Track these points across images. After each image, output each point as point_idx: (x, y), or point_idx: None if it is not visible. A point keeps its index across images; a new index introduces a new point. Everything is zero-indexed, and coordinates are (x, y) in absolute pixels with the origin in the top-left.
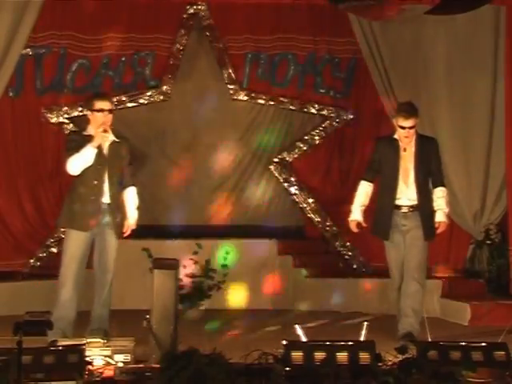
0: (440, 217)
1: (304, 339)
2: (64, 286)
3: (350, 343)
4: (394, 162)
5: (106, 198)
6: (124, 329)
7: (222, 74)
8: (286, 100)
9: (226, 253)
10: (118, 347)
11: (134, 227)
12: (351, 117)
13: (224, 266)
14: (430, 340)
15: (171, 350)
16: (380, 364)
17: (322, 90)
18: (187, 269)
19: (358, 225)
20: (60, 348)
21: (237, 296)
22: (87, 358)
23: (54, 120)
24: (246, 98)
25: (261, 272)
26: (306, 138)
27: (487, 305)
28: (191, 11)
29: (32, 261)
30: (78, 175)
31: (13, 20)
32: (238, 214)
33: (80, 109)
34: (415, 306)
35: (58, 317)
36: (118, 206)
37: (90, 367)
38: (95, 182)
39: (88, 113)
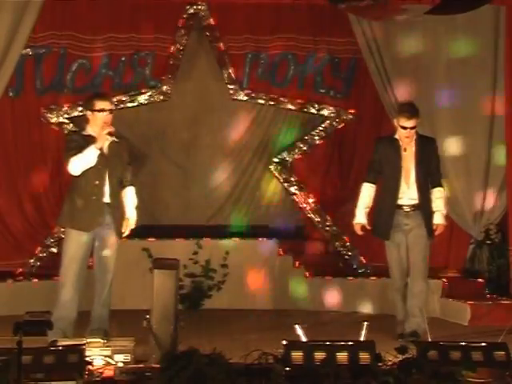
0: (438, 219)
1: (304, 339)
2: (64, 287)
3: (350, 343)
4: (396, 162)
5: (106, 198)
6: (124, 329)
7: (222, 73)
8: (285, 100)
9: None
10: (117, 347)
11: (133, 227)
12: (351, 117)
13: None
14: (429, 340)
15: (171, 349)
16: (380, 364)
17: (322, 90)
18: (187, 269)
19: (363, 227)
20: (60, 348)
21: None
22: (87, 358)
23: (53, 120)
24: (245, 98)
25: (261, 272)
26: (306, 138)
27: (487, 305)
28: (191, 11)
29: (32, 261)
30: (79, 176)
31: (13, 20)
32: (239, 214)
33: (80, 109)
34: (422, 305)
35: (59, 317)
36: (118, 206)
37: (90, 367)
38: (96, 182)
39: (88, 113)
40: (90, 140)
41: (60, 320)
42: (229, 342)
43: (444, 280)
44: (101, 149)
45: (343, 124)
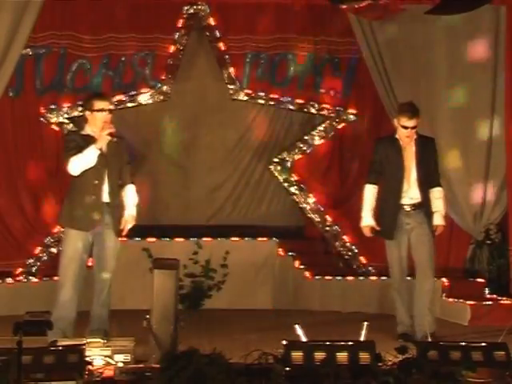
0: (438, 220)
1: (304, 339)
2: (63, 287)
3: (350, 343)
4: (398, 162)
5: (105, 198)
6: (124, 329)
7: (222, 73)
8: (285, 100)
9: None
10: (117, 347)
11: (132, 223)
12: (351, 117)
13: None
14: (430, 340)
15: (171, 349)
16: (380, 364)
17: (322, 90)
18: (187, 269)
19: (372, 229)
20: (60, 348)
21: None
22: (87, 358)
23: (53, 120)
24: (245, 98)
25: (261, 272)
26: (306, 138)
27: (487, 305)
28: (191, 11)
29: (32, 261)
30: (78, 175)
31: (13, 20)
32: (238, 214)
33: (80, 109)
34: (431, 304)
35: (58, 317)
36: (117, 206)
37: (90, 367)
38: (95, 182)
39: (87, 113)
40: (89, 140)
41: (60, 320)
42: (229, 342)
43: (444, 280)
44: (100, 149)
45: (343, 124)
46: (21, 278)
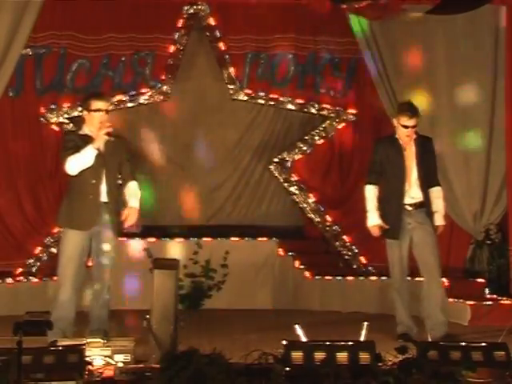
0: (439, 220)
1: (304, 339)
2: (62, 286)
3: (350, 343)
4: (399, 162)
5: (103, 197)
6: (124, 329)
7: (222, 73)
8: (285, 100)
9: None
10: (117, 347)
11: (134, 215)
12: (351, 117)
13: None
14: (430, 340)
15: (171, 349)
16: (380, 364)
17: (322, 90)
18: (187, 269)
19: (380, 228)
20: (60, 348)
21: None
22: (87, 358)
23: (53, 120)
24: (245, 97)
25: (261, 272)
26: (306, 138)
27: (487, 305)
28: (191, 11)
29: (32, 261)
30: (76, 175)
31: (13, 20)
32: (238, 214)
33: (80, 109)
34: (443, 304)
35: (58, 317)
36: (116, 205)
37: (90, 367)
38: (93, 181)
39: (84, 112)
40: (87, 139)
41: (59, 320)
42: (229, 342)
43: (444, 280)
44: (98, 148)
45: (343, 124)
46: (21, 277)
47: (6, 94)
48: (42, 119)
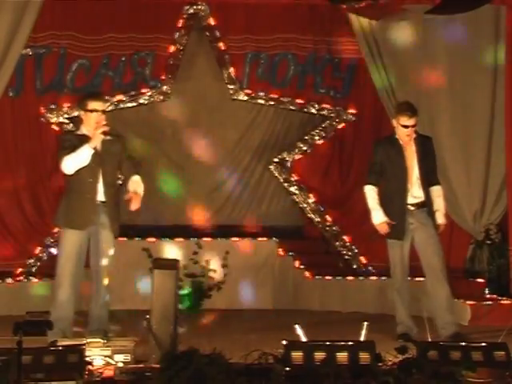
0: (440, 219)
1: (304, 339)
2: (61, 287)
3: (350, 343)
4: (400, 162)
5: (100, 197)
6: (124, 329)
7: (222, 74)
8: (286, 100)
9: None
10: (117, 347)
11: (139, 200)
12: (351, 117)
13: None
14: (429, 340)
15: (171, 349)
16: (380, 364)
17: (322, 90)
18: (187, 269)
19: (388, 224)
20: (60, 348)
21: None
22: (87, 358)
23: (54, 120)
24: (245, 97)
25: (261, 272)
26: (306, 138)
27: (487, 305)
28: (191, 11)
29: (32, 261)
30: (73, 174)
31: (13, 20)
32: (238, 214)
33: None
34: (450, 304)
35: (57, 317)
36: (114, 205)
37: (90, 367)
38: (90, 180)
39: (81, 112)
40: (84, 139)
41: (58, 320)
42: (229, 342)
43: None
44: (94, 148)
45: (343, 124)
46: (21, 277)
47: (6, 94)
48: (41, 119)
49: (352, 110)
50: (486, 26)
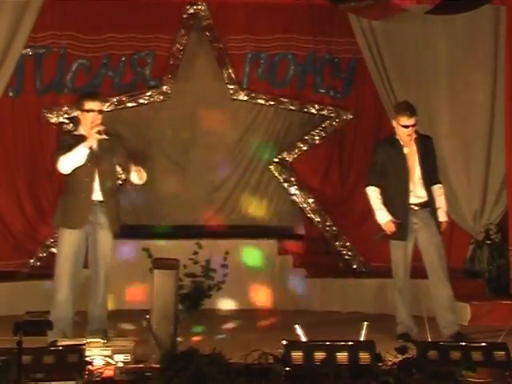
0: (442, 217)
1: (304, 339)
2: (60, 287)
3: (350, 343)
4: (401, 163)
5: (98, 196)
6: (124, 329)
7: (222, 73)
8: (286, 100)
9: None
10: (117, 347)
11: (142, 174)
12: (351, 117)
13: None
14: (429, 340)
15: (171, 350)
16: (380, 364)
17: (321, 90)
18: (187, 269)
19: (394, 222)
20: (60, 348)
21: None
22: (87, 358)
23: (54, 120)
24: (245, 97)
25: (261, 272)
26: (306, 138)
27: (487, 305)
28: (191, 11)
29: (32, 261)
30: (70, 174)
31: (13, 20)
32: (238, 214)
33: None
34: (451, 304)
35: (56, 318)
36: (113, 204)
37: (90, 367)
38: (86, 180)
39: (78, 112)
40: (80, 139)
41: (58, 321)
42: (229, 342)
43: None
44: (90, 147)
45: (343, 124)
46: (21, 277)
47: (6, 94)
48: (41, 119)
49: (352, 110)
50: (486, 26)
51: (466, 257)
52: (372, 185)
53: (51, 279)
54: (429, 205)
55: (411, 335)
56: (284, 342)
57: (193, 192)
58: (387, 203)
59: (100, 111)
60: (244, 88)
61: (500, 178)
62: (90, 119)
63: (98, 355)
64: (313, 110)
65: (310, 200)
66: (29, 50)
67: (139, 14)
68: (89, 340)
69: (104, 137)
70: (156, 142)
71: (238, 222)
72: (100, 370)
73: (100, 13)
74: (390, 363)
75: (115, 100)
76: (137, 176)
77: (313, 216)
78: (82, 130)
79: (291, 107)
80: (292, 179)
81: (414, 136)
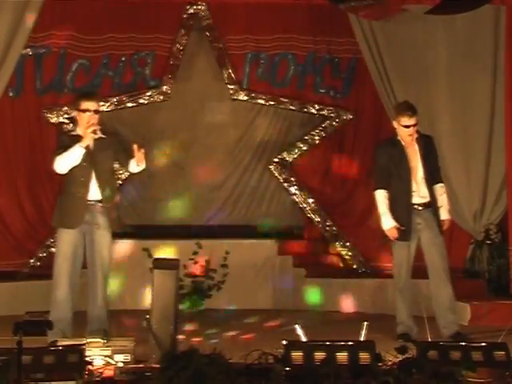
0: (444, 215)
1: (304, 339)
2: (58, 287)
3: (350, 343)
4: (403, 163)
5: (95, 196)
6: (124, 329)
7: (222, 73)
8: (286, 100)
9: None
10: (117, 347)
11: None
12: (351, 117)
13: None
14: (429, 340)
15: (171, 349)
16: (380, 364)
17: (321, 90)
18: (187, 269)
19: (398, 229)
20: (60, 348)
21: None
22: (87, 358)
23: (54, 120)
24: (245, 97)
25: (261, 272)
26: (306, 138)
27: (487, 305)
28: (191, 11)
29: (32, 261)
30: (67, 174)
31: (13, 20)
32: (238, 214)
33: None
34: (452, 304)
35: (56, 318)
36: (111, 204)
37: (90, 367)
38: (82, 179)
39: (75, 112)
40: (78, 139)
41: (57, 321)
42: (229, 342)
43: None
44: (87, 147)
45: (343, 124)
46: (21, 277)
47: (6, 94)
48: (41, 119)
49: (352, 110)
50: (486, 25)
51: (465, 257)
52: (381, 188)
53: (51, 279)
54: (431, 204)
55: (411, 335)
56: (284, 342)
57: (193, 192)
58: (391, 204)
59: (96, 111)
60: (244, 88)
61: (500, 178)
62: (86, 119)
63: (98, 355)
64: (313, 110)
65: (310, 200)
66: (29, 49)
67: (139, 14)
68: (89, 340)
69: (99, 135)
70: (156, 142)
71: (238, 222)
72: (100, 370)
73: (100, 13)
74: (389, 363)
75: (115, 100)
76: (135, 162)
77: (313, 216)
78: (78, 130)
79: (291, 107)
80: (292, 179)
81: (416, 136)
